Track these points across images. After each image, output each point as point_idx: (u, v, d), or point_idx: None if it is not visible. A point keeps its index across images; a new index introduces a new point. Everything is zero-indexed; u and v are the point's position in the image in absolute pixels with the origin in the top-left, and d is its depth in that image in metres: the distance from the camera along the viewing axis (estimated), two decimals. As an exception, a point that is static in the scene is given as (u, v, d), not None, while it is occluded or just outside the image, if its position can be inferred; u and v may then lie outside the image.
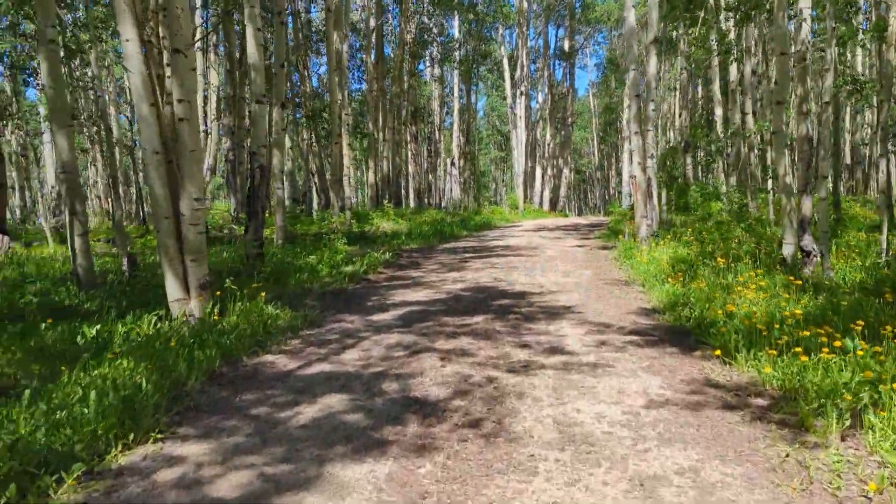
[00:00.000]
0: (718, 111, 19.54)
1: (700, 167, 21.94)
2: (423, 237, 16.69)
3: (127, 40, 6.13)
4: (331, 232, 13.70)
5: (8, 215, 26.40)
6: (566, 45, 45.38)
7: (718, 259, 8.91)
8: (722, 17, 16.78)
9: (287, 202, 30.60)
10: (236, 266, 9.09)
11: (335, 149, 15.12)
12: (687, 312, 6.66)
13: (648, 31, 11.62)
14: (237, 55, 17.00)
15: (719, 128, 18.95)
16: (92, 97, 26.28)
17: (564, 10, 43.27)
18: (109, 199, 27.46)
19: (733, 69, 17.46)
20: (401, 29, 29.20)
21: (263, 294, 7.15)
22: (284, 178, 13.69)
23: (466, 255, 13.29)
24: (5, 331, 5.98)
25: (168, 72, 6.46)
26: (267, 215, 15.50)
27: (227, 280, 7.05)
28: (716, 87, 19.41)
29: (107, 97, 19.75)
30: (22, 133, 30.26)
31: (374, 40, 28.90)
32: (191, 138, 6.32)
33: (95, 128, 23.86)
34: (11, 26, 14.94)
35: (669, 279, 8.39)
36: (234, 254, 10.89)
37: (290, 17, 25.96)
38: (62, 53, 11.20)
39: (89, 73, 18.37)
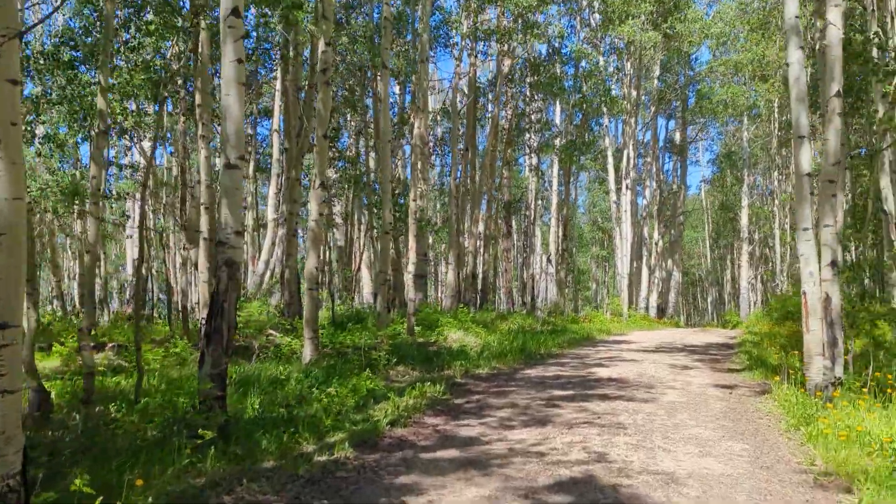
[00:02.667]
0: None
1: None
2: (502, 355, 13.10)
3: None
4: (372, 348, 10.38)
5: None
6: (677, 138, 41.84)
7: None
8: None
9: (371, 300, 27.75)
10: (190, 415, 5.76)
11: (383, 241, 11.98)
12: None
13: (830, 84, 7.98)
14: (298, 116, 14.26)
15: None
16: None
17: (676, 100, 39.95)
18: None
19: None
20: (493, 114, 26.56)
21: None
22: (322, 276, 10.58)
23: (555, 391, 9.58)
24: None
25: None
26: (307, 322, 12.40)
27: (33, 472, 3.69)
28: None
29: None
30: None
31: (463, 125, 26.37)
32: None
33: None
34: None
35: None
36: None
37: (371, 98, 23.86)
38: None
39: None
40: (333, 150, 22.08)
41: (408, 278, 14.47)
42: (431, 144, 28.03)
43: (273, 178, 22.41)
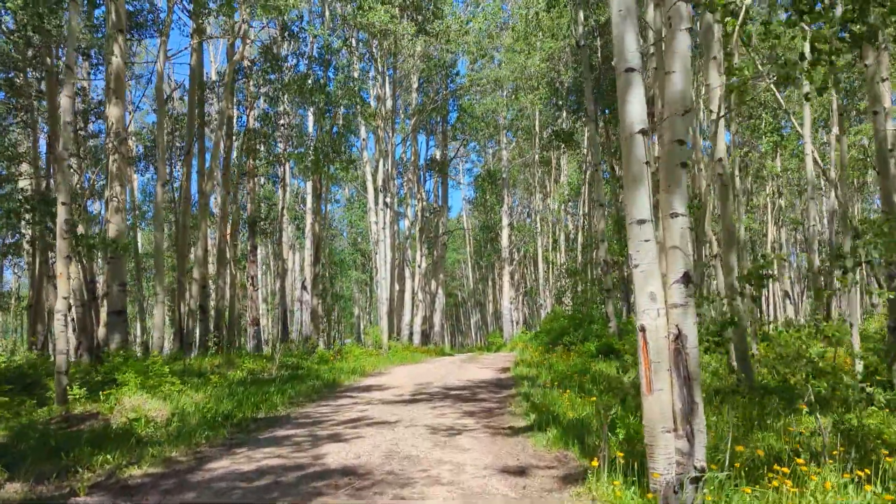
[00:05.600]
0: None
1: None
2: (195, 430, 8.76)
3: None
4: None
5: None
6: (438, 155, 39.96)
7: None
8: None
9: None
10: None
11: None
12: None
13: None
14: None
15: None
16: None
17: (437, 116, 37.96)
18: None
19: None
20: (221, 108, 22.02)
21: None
22: None
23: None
24: None
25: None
26: None
27: None
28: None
29: None
30: None
31: (182, 122, 21.58)
32: None
33: None
34: None
35: None
36: None
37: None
38: None
39: None
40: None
41: (58, 318, 9.64)
42: (134, 145, 22.83)
43: None
